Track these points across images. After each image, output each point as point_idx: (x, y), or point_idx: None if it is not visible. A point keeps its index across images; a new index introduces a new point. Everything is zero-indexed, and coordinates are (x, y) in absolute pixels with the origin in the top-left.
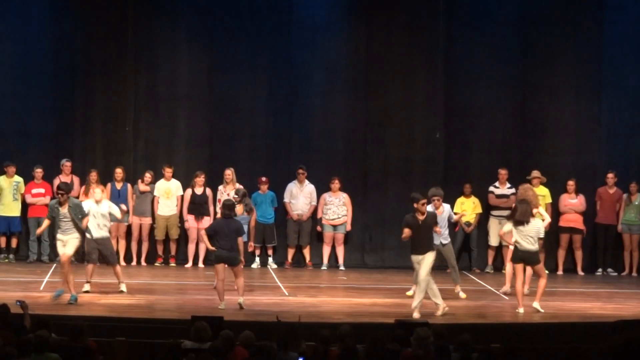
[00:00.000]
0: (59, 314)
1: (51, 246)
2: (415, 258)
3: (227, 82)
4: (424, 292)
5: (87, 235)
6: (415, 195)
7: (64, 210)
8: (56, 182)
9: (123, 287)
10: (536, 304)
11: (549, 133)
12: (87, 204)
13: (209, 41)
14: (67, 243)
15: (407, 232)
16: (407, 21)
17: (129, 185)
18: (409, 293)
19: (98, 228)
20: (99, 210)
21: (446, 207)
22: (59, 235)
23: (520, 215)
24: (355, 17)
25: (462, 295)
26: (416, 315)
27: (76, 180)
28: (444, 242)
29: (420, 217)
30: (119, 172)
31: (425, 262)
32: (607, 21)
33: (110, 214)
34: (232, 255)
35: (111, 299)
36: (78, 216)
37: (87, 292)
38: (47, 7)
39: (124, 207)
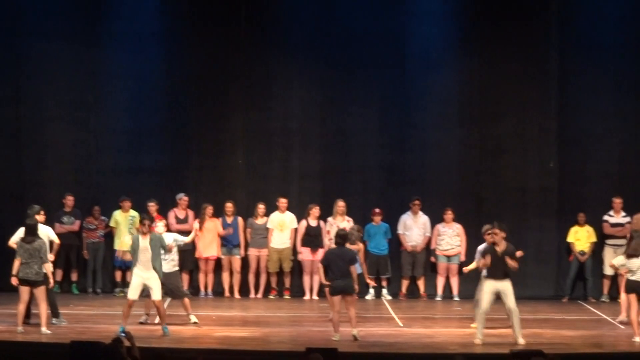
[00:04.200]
0: (174, 346)
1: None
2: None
3: (340, 114)
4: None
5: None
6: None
7: (145, 242)
8: (171, 215)
9: (193, 318)
10: None
11: None
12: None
13: (322, 74)
14: (151, 286)
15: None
16: (520, 51)
17: (239, 219)
18: (473, 325)
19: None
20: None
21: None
22: (136, 270)
23: (633, 249)
24: (468, 48)
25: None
26: (521, 341)
27: (191, 214)
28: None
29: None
30: (229, 206)
31: (509, 292)
32: None
33: (175, 243)
34: (347, 284)
35: (225, 331)
36: (159, 249)
37: (142, 323)
38: (160, 43)
39: (196, 225)
